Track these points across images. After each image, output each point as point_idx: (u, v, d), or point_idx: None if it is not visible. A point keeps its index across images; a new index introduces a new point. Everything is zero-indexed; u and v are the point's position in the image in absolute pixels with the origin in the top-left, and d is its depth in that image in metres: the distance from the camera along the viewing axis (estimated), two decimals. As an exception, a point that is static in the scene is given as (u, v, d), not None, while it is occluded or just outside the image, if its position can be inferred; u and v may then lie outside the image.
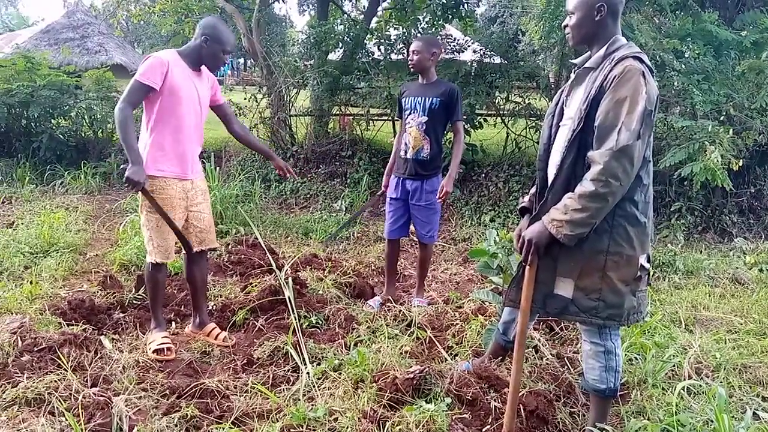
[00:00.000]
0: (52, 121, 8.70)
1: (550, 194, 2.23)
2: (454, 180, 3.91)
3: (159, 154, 3.09)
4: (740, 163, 5.19)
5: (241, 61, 32.62)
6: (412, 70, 3.89)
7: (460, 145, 3.91)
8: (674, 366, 3.06)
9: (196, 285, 3.45)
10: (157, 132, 3.08)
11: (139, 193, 3.05)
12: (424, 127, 3.78)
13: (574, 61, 2.42)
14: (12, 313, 3.55)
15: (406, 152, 3.88)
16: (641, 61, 2.11)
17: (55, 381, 2.66)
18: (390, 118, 8.00)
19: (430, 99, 3.76)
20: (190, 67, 3.14)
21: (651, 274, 2.31)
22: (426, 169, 3.84)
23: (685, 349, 3.26)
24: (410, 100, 3.84)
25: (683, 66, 5.59)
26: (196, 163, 3.30)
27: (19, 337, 3.02)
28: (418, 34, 8.33)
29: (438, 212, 3.97)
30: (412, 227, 4.09)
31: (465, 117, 7.02)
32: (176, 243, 3.27)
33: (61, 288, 4.14)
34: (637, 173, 2.11)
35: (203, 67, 3.24)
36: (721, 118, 5.42)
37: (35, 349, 2.93)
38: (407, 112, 3.86)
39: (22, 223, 5.61)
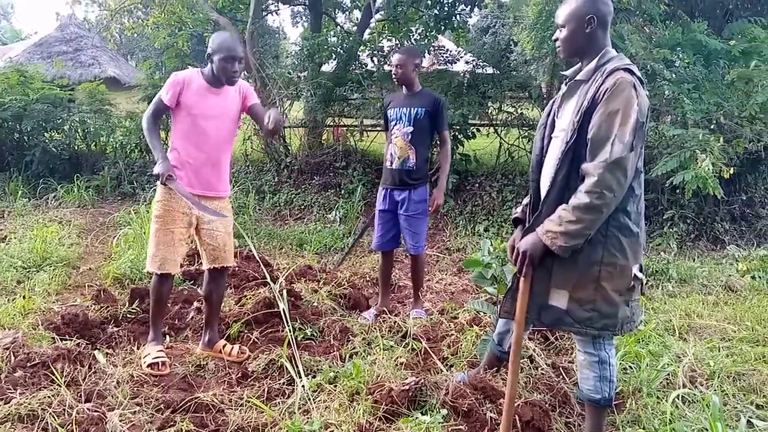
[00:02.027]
0: (45, 134, 8.69)
1: (544, 206, 2.25)
2: (444, 190, 3.93)
3: (174, 166, 3.15)
4: (731, 171, 5.22)
5: (235, 72, 32.70)
6: (396, 83, 3.94)
7: (448, 154, 3.96)
8: (669, 375, 3.07)
9: (211, 303, 3.44)
10: (175, 146, 3.20)
11: (158, 189, 3.18)
12: (410, 137, 3.81)
13: (565, 72, 2.44)
14: (5, 329, 3.52)
15: (392, 162, 3.89)
16: (632, 72, 2.14)
17: (49, 397, 2.63)
18: (384, 128, 8.07)
19: (416, 109, 3.79)
20: (211, 85, 3.17)
21: (644, 283, 2.32)
22: (412, 179, 3.86)
23: (679, 357, 3.27)
24: (395, 110, 3.88)
25: (674, 75, 5.64)
26: (212, 181, 3.26)
27: (11, 353, 2.99)
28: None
29: (426, 221, 3.99)
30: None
31: (458, 127, 7.07)
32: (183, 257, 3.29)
33: (54, 302, 4.12)
34: (630, 184, 2.13)
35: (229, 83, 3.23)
36: (712, 127, 5.47)
37: (28, 364, 2.90)
38: (392, 123, 3.89)
39: (15, 238, 5.58)
